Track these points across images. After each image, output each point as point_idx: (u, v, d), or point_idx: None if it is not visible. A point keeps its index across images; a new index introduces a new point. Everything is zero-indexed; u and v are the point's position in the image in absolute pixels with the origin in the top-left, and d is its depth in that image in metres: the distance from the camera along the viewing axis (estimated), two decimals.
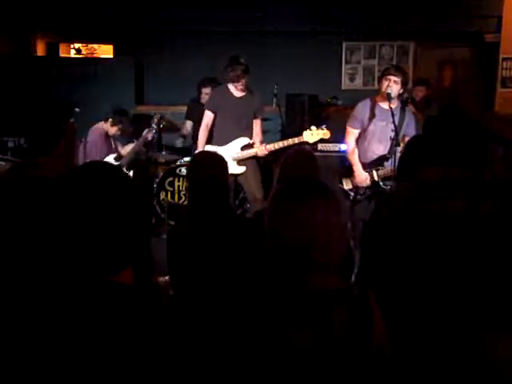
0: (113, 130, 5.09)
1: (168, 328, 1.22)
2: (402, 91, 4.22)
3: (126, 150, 5.24)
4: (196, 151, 5.00)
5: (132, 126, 5.26)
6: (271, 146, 4.75)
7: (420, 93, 6.18)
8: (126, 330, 1.13)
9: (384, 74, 4.24)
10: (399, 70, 4.25)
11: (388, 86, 4.13)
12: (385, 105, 4.19)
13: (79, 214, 1.16)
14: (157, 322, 1.19)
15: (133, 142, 5.27)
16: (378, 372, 1.39)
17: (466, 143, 2.07)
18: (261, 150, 4.75)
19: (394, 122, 3.98)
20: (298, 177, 2.44)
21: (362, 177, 4.32)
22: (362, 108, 4.37)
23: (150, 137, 5.21)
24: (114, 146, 5.23)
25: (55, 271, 1.16)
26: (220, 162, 2.64)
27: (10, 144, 5.51)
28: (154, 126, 5.21)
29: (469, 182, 2.00)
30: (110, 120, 5.04)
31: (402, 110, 4.29)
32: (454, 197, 1.95)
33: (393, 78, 4.15)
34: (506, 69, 6.26)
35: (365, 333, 1.38)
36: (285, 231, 1.40)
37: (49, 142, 2.40)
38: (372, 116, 4.29)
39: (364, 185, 4.31)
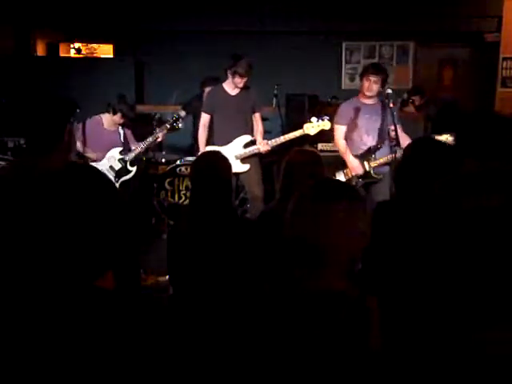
0: (117, 119, 4.96)
1: (152, 331, 1.21)
2: (381, 89, 4.32)
3: (137, 146, 5.15)
4: (197, 152, 5.01)
5: (133, 112, 5.14)
6: (273, 141, 4.76)
7: (416, 101, 6.24)
8: (105, 336, 1.12)
9: (364, 74, 4.41)
10: (378, 70, 4.40)
11: (368, 86, 4.32)
12: (367, 100, 4.41)
13: (57, 215, 1.15)
14: (138, 326, 1.18)
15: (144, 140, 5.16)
16: (371, 377, 1.39)
17: (502, 137, 2.10)
18: (263, 145, 4.75)
19: (394, 121, 4.04)
20: (303, 176, 2.45)
21: (355, 164, 4.44)
22: (346, 106, 4.57)
23: (161, 137, 5.12)
24: (123, 139, 5.09)
25: (36, 276, 1.15)
26: (223, 161, 2.63)
27: (10, 144, 5.50)
28: (167, 125, 5.09)
29: (507, 175, 2.01)
30: (112, 109, 4.94)
31: (382, 103, 4.42)
32: (492, 190, 1.96)
33: (372, 78, 4.31)
34: (506, 69, 6.26)
35: (361, 338, 1.37)
36: (307, 231, 1.39)
37: (50, 141, 2.37)
38: (357, 111, 4.46)
39: (359, 171, 4.42)
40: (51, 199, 1.15)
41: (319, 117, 4.69)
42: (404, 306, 1.95)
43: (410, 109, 6.43)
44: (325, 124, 4.66)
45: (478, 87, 7.19)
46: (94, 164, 4.88)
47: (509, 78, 6.25)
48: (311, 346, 1.35)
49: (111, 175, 5.02)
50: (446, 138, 3.95)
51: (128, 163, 5.09)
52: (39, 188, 1.17)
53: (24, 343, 1.10)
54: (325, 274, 1.40)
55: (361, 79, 4.45)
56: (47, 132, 2.35)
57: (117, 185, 5.05)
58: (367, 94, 4.37)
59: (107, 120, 5.02)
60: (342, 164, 4.65)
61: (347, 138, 4.53)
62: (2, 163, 4.22)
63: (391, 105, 4.13)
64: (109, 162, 5.06)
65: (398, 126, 4.17)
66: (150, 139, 5.06)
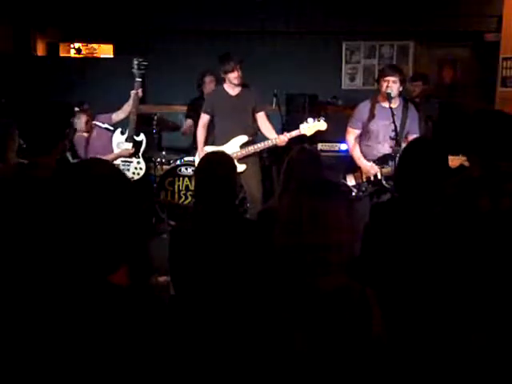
0: (84, 119, 4.77)
1: (164, 328, 1.21)
2: (401, 89, 4.24)
3: (120, 116, 4.94)
4: (196, 151, 5.02)
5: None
6: (288, 135, 4.66)
7: (417, 88, 6.12)
8: (120, 332, 1.13)
9: (381, 76, 4.27)
10: (395, 69, 4.29)
11: (387, 86, 4.15)
12: (386, 104, 4.19)
13: (74, 211, 1.16)
14: (152, 323, 1.18)
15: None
16: (376, 367, 1.40)
17: (507, 137, 2.10)
18: (281, 139, 4.66)
19: (394, 121, 3.99)
20: (303, 175, 2.45)
21: (368, 167, 4.32)
22: (362, 108, 4.42)
23: (140, 92, 4.86)
24: (108, 125, 4.88)
25: (51, 271, 1.16)
26: (230, 162, 2.63)
27: None
28: (137, 79, 4.87)
29: None
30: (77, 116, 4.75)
31: (405, 107, 4.30)
32: (503, 193, 1.97)
33: (391, 78, 4.19)
34: (506, 68, 6.25)
35: (364, 329, 1.38)
36: (304, 228, 1.40)
37: (52, 142, 2.47)
38: (372, 116, 4.31)
39: (372, 173, 4.28)
40: (62, 195, 1.16)
41: (315, 117, 4.69)
42: (403, 299, 1.96)
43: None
44: (321, 124, 4.65)
45: (478, 87, 7.19)
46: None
47: (509, 78, 6.25)
48: (317, 340, 1.35)
49: (131, 159, 4.96)
50: (462, 159, 3.82)
51: (134, 136, 4.97)
52: (47, 186, 1.18)
53: (36, 338, 1.11)
54: (322, 272, 1.40)
55: (378, 82, 4.31)
56: (50, 134, 2.44)
57: (142, 162, 5.01)
58: (386, 95, 4.13)
59: (82, 125, 4.81)
60: (342, 164, 4.63)
61: (362, 144, 4.43)
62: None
63: (393, 105, 4.12)
64: (121, 154, 4.94)
65: (417, 132, 4.22)
66: (131, 102, 4.86)
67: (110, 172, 1.25)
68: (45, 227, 1.16)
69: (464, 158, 3.78)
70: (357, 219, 4.04)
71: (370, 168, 4.30)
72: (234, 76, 4.70)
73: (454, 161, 3.74)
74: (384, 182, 4.25)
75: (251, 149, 4.81)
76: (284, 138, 4.64)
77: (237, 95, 4.82)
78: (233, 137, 4.82)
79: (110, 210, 1.19)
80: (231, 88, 4.82)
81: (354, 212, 1.51)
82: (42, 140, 2.45)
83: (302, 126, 4.65)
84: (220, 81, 5.78)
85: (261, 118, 4.87)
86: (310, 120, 4.66)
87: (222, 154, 2.76)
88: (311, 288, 1.40)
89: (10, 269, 1.52)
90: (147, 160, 5.80)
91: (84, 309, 1.13)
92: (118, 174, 1.28)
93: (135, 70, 4.87)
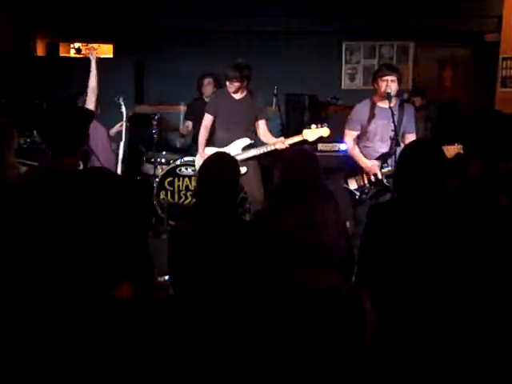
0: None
1: (166, 339, 1.22)
2: (398, 87, 4.24)
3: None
4: (197, 152, 5.02)
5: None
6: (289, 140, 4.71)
7: (416, 102, 6.20)
8: (122, 345, 1.13)
9: (379, 76, 4.25)
10: (393, 68, 4.29)
11: (387, 86, 4.14)
12: (384, 104, 4.19)
13: (80, 222, 1.16)
14: (154, 336, 1.19)
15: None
16: (370, 367, 1.40)
17: (506, 137, 2.10)
18: (281, 143, 4.68)
19: (394, 121, 3.99)
20: (300, 175, 2.46)
21: (370, 165, 4.30)
22: (360, 109, 4.40)
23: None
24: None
25: (56, 284, 1.16)
26: (234, 164, 2.63)
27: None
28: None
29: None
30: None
31: (401, 107, 4.30)
32: (502, 191, 1.97)
33: (389, 77, 4.18)
34: (506, 68, 6.26)
35: (357, 329, 1.38)
36: (281, 230, 1.40)
37: (75, 143, 2.55)
38: (372, 116, 4.31)
39: (376, 171, 4.25)
40: (78, 203, 1.17)
41: (318, 123, 4.70)
42: (401, 299, 1.96)
43: None
44: (324, 131, 4.66)
45: (478, 87, 7.19)
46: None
47: (509, 78, 6.25)
48: (308, 341, 1.35)
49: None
50: (457, 147, 3.81)
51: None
52: (65, 191, 1.19)
53: (40, 348, 1.11)
54: (309, 269, 1.41)
55: (374, 82, 4.28)
56: (75, 135, 2.53)
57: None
58: (385, 94, 4.11)
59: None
60: (342, 166, 4.63)
61: (360, 144, 4.42)
62: None
63: (391, 104, 4.12)
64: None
65: (413, 131, 4.23)
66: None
67: (117, 185, 1.25)
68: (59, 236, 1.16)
69: (460, 147, 3.76)
70: (360, 221, 4.06)
71: (372, 166, 4.28)
72: (229, 84, 4.74)
73: (450, 150, 3.73)
74: (385, 181, 4.25)
75: (253, 152, 4.83)
76: (286, 143, 4.66)
77: (240, 100, 4.83)
78: (234, 139, 4.84)
79: (112, 221, 1.19)
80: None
81: (343, 212, 1.51)
82: (67, 141, 2.51)
83: (304, 131, 4.66)
84: (219, 82, 5.80)
85: (261, 125, 4.88)
86: (313, 126, 4.67)
87: (227, 156, 2.75)
88: (300, 287, 1.40)
89: (18, 279, 1.53)
90: (147, 160, 5.82)
91: (87, 322, 1.13)
92: (124, 186, 1.28)
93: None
